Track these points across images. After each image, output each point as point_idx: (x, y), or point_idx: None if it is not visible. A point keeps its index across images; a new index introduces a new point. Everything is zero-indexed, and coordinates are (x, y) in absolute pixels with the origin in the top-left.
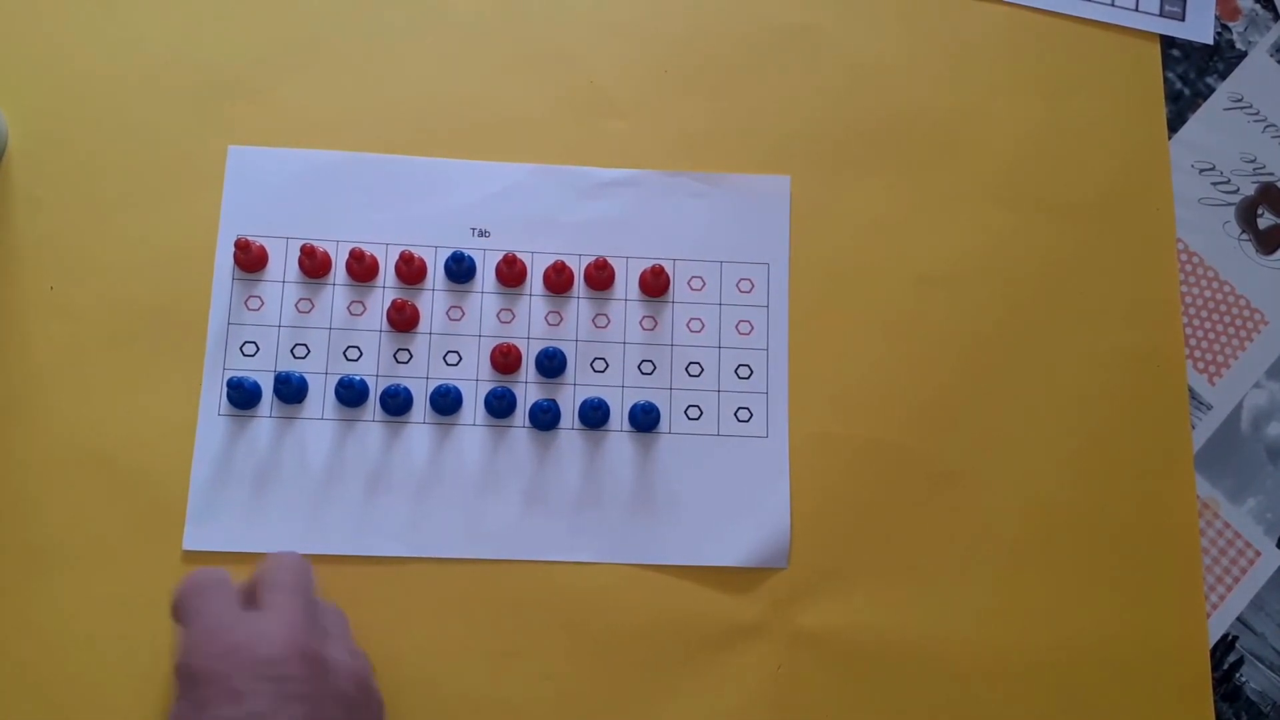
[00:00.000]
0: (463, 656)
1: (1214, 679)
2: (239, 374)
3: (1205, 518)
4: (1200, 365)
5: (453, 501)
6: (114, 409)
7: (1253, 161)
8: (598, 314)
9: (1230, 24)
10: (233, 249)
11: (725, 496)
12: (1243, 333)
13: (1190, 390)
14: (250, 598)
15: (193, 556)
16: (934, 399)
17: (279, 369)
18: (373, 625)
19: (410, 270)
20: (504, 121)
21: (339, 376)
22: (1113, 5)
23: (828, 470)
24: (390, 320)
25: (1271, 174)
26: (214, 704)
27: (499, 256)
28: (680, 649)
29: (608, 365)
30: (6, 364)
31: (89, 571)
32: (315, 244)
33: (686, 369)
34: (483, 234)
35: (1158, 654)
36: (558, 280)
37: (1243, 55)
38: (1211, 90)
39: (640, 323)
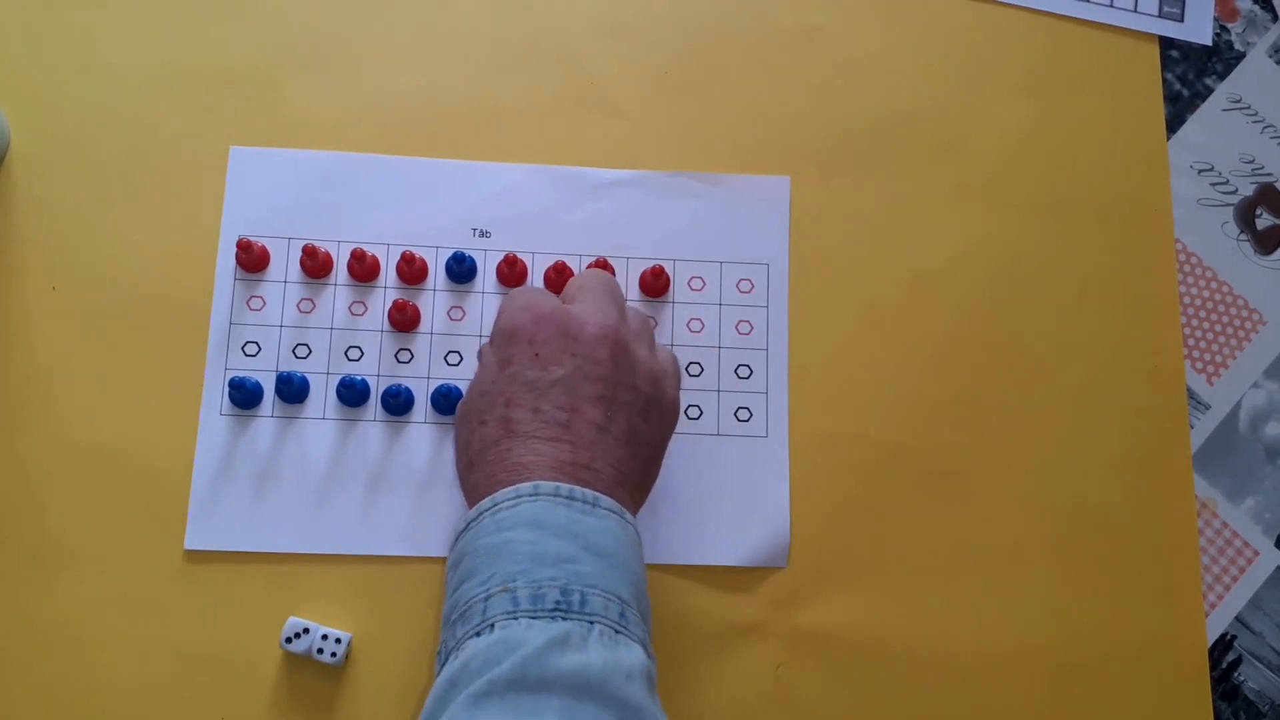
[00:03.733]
0: None
1: (1212, 678)
2: (240, 374)
3: (1204, 517)
4: (1199, 365)
5: (454, 501)
6: (116, 408)
7: (1251, 162)
8: None
9: (1229, 25)
10: (234, 249)
11: (725, 496)
12: (1241, 333)
13: (1189, 390)
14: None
15: (194, 556)
16: (934, 399)
17: (280, 369)
18: (373, 625)
19: (411, 270)
20: (504, 122)
21: (340, 376)
22: (1111, 6)
23: (828, 470)
24: (391, 320)
25: (1270, 175)
26: (518, 362)
27: (500, 257)
28: (680, 649)
29: None
30: (9, 364)
31: (90, 571)
32: (317, 244)
33: (686, 369)
34: (484, 234)
35: (1156, 653)
36: (558, 280)
37: (1241, 56)
38: (1210, 91)
39: None
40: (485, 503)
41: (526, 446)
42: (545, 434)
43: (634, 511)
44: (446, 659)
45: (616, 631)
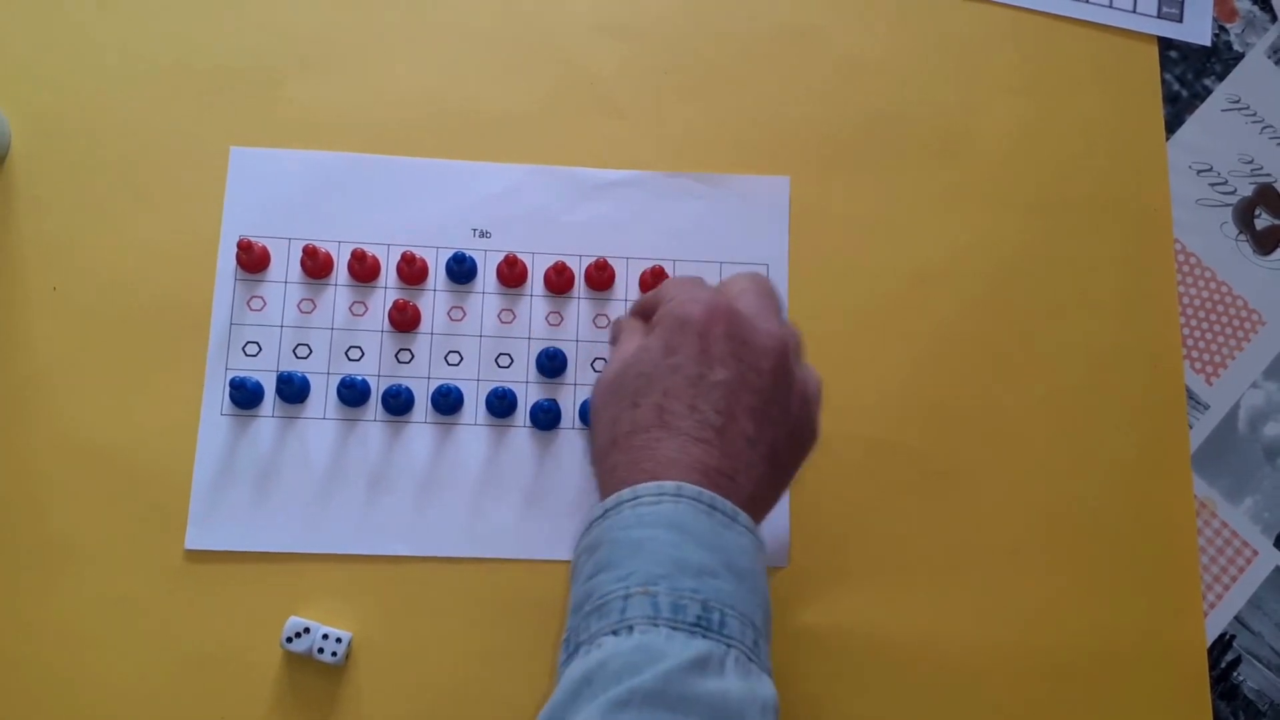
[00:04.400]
0: (463, 656)
1: (1211, 678)
2: (241, 374)
3: (1203, 517)
4: (1198, 365)
5: (453, 501)
6: (116, 409)
7: (1250, 162)
8: (598, 314)
9: (1228, 26)
10: (235, 249)
11: None
12: (1240, 333)
13: (1188, 390)
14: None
15: (194, 555)
16: (933, 399)
17: (281, 369)
18: (374, 624)
19: (412, 271)
20: (504, 122)
21: (341, 376)
22: (1110, 7)
23: (828, 470)
24: (392, 320)
25: (1269, 175)
26: (683, 353)
27: (500, 257)
28: None
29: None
30: (10, 364)
31: (90, 571)
32: (317, 244)
33: None
34: (484, 235)
35: (1155, 653)
36: (558, 281)
37: (1240, 57)
38: (1209, 92)
39: None
40: (626, 493)
41: (676, 443)
42: (697, 434)
43: None
44: (576, 649)
45: (749, 660)
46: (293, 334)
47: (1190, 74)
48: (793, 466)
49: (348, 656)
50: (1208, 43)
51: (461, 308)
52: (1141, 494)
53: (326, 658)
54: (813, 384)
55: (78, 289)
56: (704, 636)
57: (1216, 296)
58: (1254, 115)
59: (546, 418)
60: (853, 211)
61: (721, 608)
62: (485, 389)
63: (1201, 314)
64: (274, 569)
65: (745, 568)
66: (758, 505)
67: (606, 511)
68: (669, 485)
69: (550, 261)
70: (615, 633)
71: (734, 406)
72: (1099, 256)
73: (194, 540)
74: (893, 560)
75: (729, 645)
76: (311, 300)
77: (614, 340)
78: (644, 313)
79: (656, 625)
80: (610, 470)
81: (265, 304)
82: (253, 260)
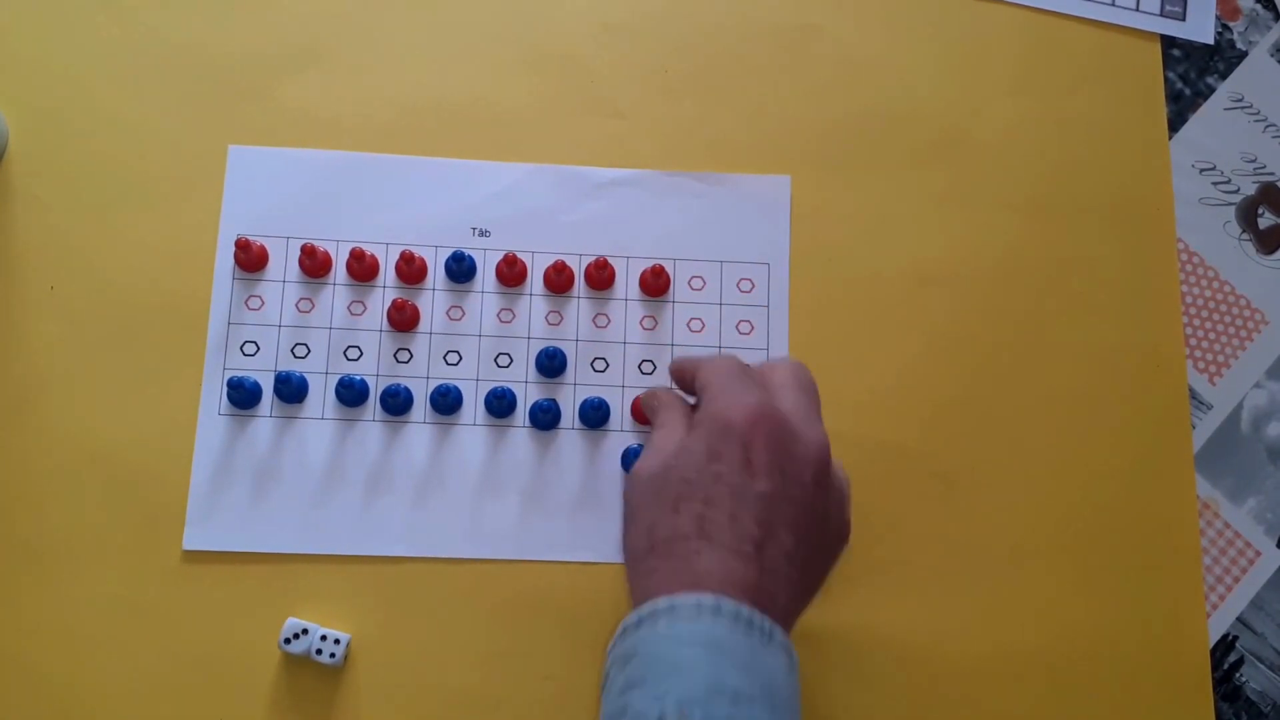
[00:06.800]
0: (463, 656)
1: (1214, 679)
2: (239, 373)
3: (1205, 518)
4: (1200, 365)
5: (453, 501)
6: (114, 408)
7: (1253, 161)
8: (598, 314)
9: (1231, 24)
10: (233, 248)
11: None
12: (1243, 333)
13: (1190, 390)
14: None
15: (192, 556)
16: (934, 399)
17: (279, 368)
18: (373, 625)
19: (411, 270)
20: (504, 121)
21: (339, 376)
22: (1113, 5)
23: None
24: (390, 320)
25: (1272, 174)
26: (726, 461)
27: (499, 256)
28: None
29: (608, 365)
30: (7, 364)
31: (89, 571)
32: (315, 244)
33: None
34: (483, 234)
35: (1158, 654)
36: (558, 280)
37: (1243, 55)
38: (1212, 90)
39: (640, 323)
40: (662, 604)
41: (717, 556)
42: (737, 547)
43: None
44: None
45: None
46: (291, 333)
47: (1193, 72)
48: (825, 574)
49: (346, 658)
50: (1210, 41)
51: (460, 307)
52: (1144, 494)
53: (325, 659)
54: (844, 484)
55: (75, 288)
56: None
57: (1219, 296)
58: (1257, 114)
59: (546, 417)
60: (854, 211)
61: None
62: (484, 389)
63: (1204, 314)
64: (272, 570)
65: (781, 692)
66: (790, 617)
67: (642, 621)
68: (708, 600)
69: (550, 261)
70: None
71: (774, 519)
72: (1101, 256)
73: (192, 541)
74: (893, 560)
75: None
76: (310, 299)
77: (650, 409)
78: (681, 382)
79: None
80: (648, 573)
81: (263, 303)
82: (251, 259)
